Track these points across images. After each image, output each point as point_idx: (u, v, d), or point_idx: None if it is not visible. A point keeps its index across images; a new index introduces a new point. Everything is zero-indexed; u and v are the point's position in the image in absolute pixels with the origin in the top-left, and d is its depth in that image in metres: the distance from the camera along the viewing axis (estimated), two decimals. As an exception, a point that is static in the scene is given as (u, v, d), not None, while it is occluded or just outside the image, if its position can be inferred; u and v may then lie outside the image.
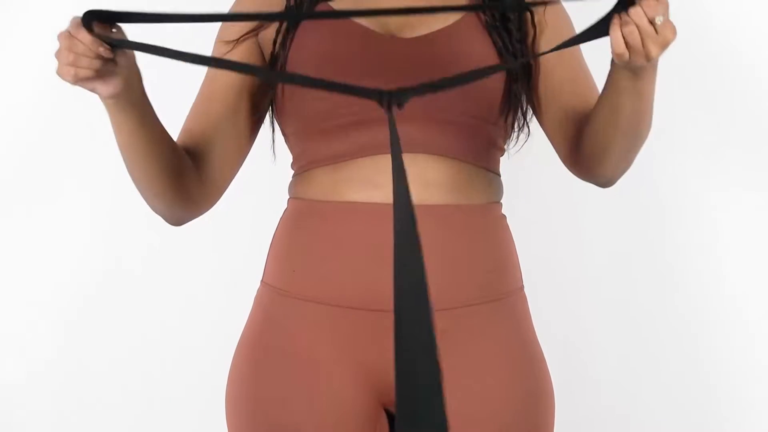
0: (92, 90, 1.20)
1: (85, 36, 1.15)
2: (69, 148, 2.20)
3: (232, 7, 1.47)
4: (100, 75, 1.18)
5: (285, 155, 1.48)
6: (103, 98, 1.23)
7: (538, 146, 1.48)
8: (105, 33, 1.16)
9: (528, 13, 1.42)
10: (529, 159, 1.50)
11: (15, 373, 2.23)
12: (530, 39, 1.42)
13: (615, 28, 1.15)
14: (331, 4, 1.42)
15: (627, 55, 1.15)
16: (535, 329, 1.43)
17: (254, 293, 1.44)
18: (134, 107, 1.25)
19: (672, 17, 1.14)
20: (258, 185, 1.79)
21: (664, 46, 1.15)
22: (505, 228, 1.43)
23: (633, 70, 1.21)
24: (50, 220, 2.22)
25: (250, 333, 1.41)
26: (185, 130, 1.41)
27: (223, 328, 1.49)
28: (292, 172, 1.45)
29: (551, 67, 1.42)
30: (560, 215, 1.77)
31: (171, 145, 1.34)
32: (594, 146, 1.35)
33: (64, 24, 1.18)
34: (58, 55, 1.17)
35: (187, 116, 1.42)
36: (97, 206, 2.23)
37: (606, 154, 1.34)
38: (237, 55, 1.42)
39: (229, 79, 1.41)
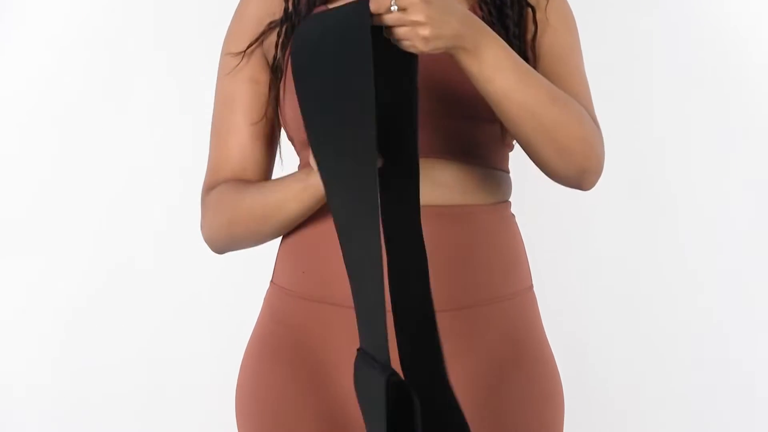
0: None
1: None
2: (76, 146, 2.20)
3: (237, 8, 1.47)
4: None
5: (293, 156, 1.47)
6: None
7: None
8: None
9: (529, 10, 1.42)
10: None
11: (19, 372, 2.24)
12: (530, 35, 1.41)
13: None
14: (329, 6, 1.41)
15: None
16: (545, 329, 1.43)
17: (264, 293, 1.45)
18: None
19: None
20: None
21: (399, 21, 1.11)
22: (514, 227, 1.43)
23: (458, 55, 1.19)
24: (60, 216, 2.23)
25: (259, 333, 1.41)
26: (233, 170, 1.43)
27: (233, 328, 1.49)
28: (301, 173, 1.45)
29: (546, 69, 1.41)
30: (570, 214, 1.77)
31: None
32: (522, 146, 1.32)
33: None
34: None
35: (221, 151, 1.44)
36: (108, 204, 2.23)
37: (528, 150, 1.30)
38: (249, 70, 1.42)
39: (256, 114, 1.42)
